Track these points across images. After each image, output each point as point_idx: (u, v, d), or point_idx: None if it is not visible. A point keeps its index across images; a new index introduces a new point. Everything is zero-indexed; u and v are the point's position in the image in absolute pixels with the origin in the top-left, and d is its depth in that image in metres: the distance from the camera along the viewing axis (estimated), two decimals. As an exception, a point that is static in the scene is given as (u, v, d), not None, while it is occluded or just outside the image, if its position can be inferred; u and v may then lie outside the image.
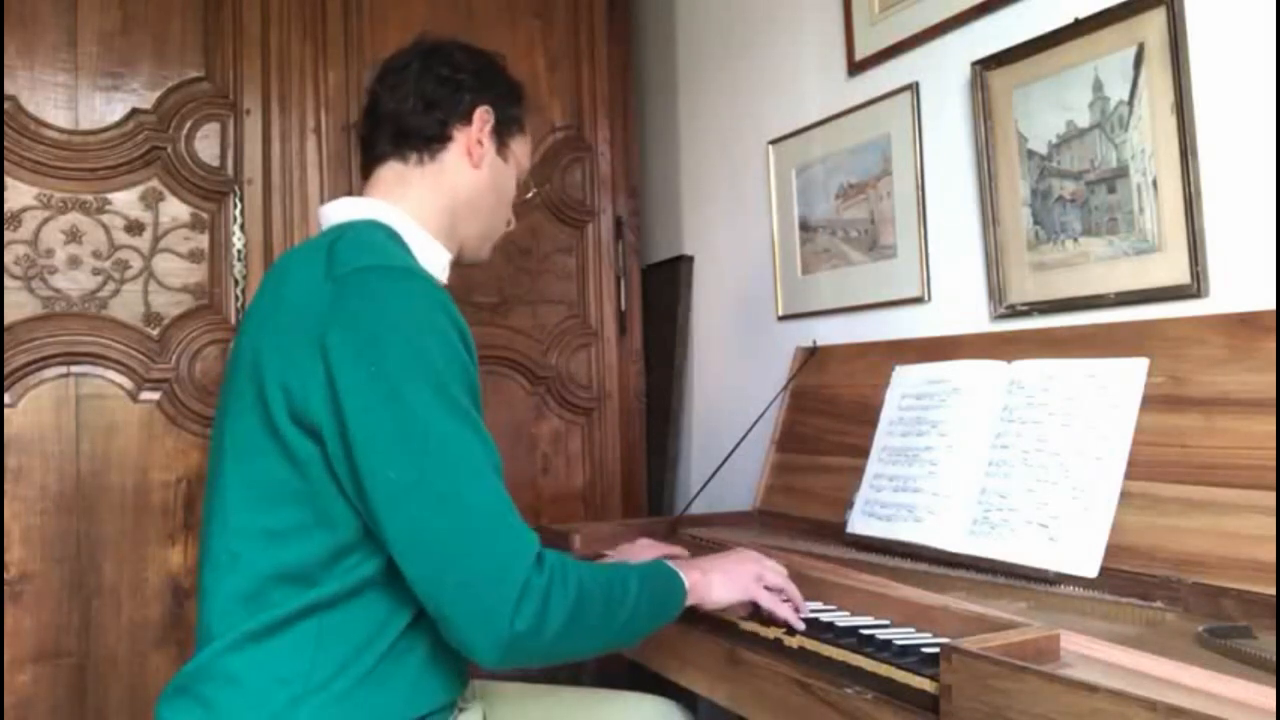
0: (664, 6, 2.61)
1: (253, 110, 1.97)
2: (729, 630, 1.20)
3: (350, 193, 1.94)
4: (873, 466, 1.54)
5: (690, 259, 2.47)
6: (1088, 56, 1.41)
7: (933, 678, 0.90)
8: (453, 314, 1.04)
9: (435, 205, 1.22)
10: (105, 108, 1.87)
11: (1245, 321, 1.15)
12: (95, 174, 1.85)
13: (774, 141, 2.11)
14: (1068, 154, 1.46)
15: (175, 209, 1.91)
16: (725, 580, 1.16)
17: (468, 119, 1.23)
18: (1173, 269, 1.31)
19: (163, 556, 1.86)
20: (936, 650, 0.89)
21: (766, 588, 1.17)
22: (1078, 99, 1.44)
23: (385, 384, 0.96)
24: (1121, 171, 1.38)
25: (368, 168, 1.25)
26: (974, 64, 1.58)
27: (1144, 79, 1.34)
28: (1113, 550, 1.16)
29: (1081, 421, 1.24)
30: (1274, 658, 0.85)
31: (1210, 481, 1.12)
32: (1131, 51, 1.36)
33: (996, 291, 1.57)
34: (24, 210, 1.81)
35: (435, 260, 1.20)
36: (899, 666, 0.95)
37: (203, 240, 1.93)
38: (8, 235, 1.79)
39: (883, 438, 1.55)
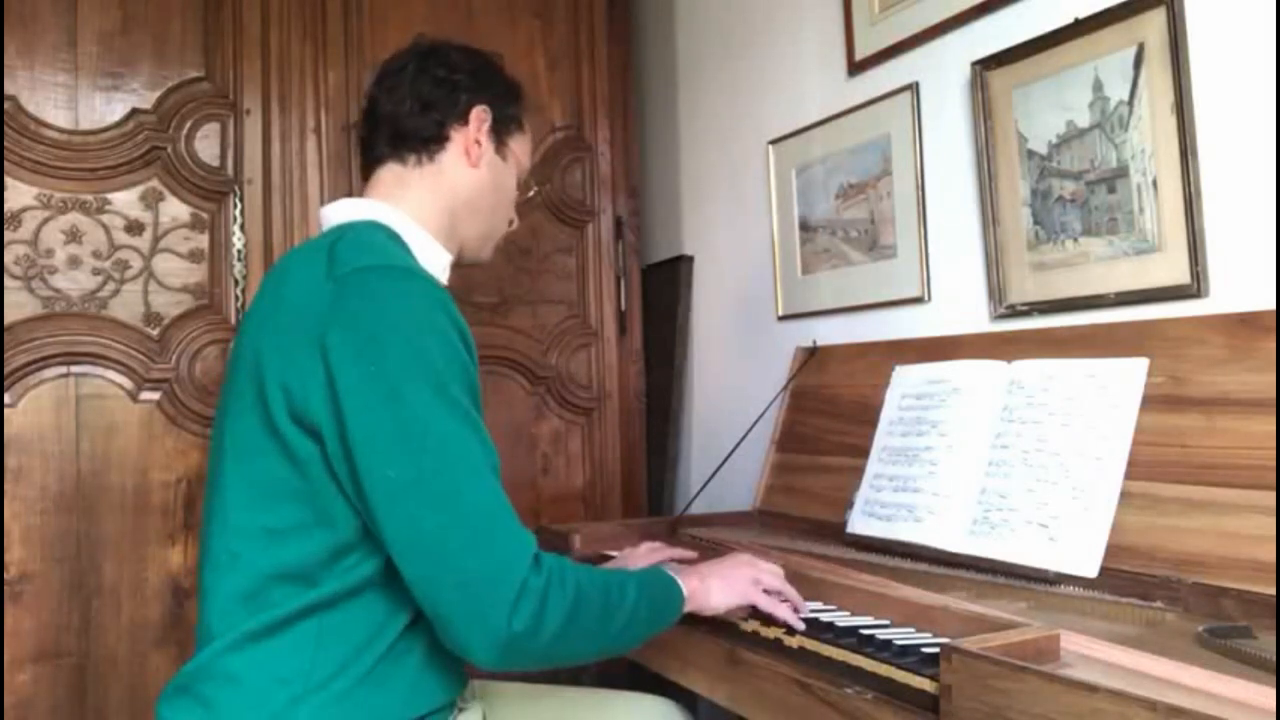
0: (664, 6, 2.61)
1: (253, 110, 1.97)
2: (729, 630, 1.20)
3: (350, 193, 1.94)
4: (873, 466, 1.54)
5: (690, 259, 2.47)
6: (1088, 56, 1.41)
7: (933, 678, 0.90)
8: (453, 314, 1.04)
9: (435, 206, 1.22)
10: (105, 108, 1.87)
11: (1245, 321, 1.15)
12: (95, 174, 1.85)
13: (774, 141, 2.11)
14: (1068, 154, 1.46)
15: (175, 209, 1.91)
16: (723, 586, 1.16)
17: (465, 119, 1.23)
18: (1173, 269, 1.31)
19: (163, 556, 1.86)
20: (936, 650, 0.89)
21: (765, 590, 1.17)
22: (1078, 99, 1.44)
23: (385, 383, 0.96)
24: (1121, 171, 1.38)
25: (367, 170, 1.25)
26: (974, 64, 1.58)
27: (1144, 79, 1.34)
28: (1113, 550, 1.16)
29: (1081, 421, 1.24)
30: (1274, 658, 0.85)
31: (1210, 481, 1.12)
32: (1131, 51, 1.36)
33: (996, 291, 1.57)
34: (24, 210, 1.81)
35: (436, 261, 1.21)
36: (899, 666, 0.95)
37: (203, 240, 1.93)
38: (8, 235, 1.79)
39: (883, 438, 1.55)
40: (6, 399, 1.77)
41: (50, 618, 1.77)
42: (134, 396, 1.86)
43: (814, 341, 1.88)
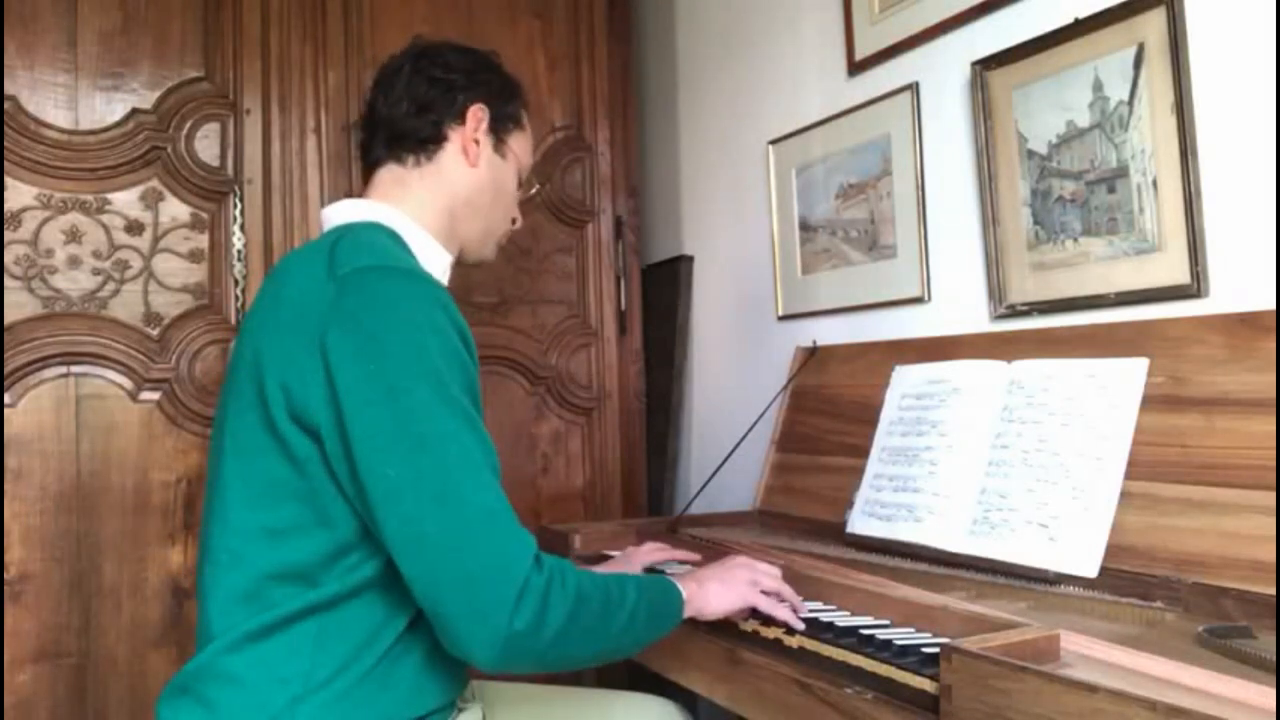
0: (664, 6, 2.61)
1: (253, 110, 1.97)
2: (729, 630, 1.20)
3: (350, 193, 1.95)
4: (873, 466, 1.54)
5: (690, 259, 2.47)
6: (1088, 56, 1.41)
7: (933, 678, 0.90)
8: (453, 314, 1.04)
9: (435, 206, 1.22)
10: (105, 108, 1.87)
11: (1245, 321, 1.15)
12: (95, 174, 1.86)
13: (774, 141, 2.11)
14: (1068, 154, 1.46)
15: (175, 209, 1.91)
16: (721, 590, 1.16)
17: (461, 119, 1.23)
18: (1173, 269, 1.31)
19: (163, 556, 1.86)
20: (936, 650, 0.89)
21: (763, 592, 1.17)
22: (1078, 99, 1.44)
23: (384, 382, 0.96)
24: (1121, 171, 1.38)
25: (368, 172, 1.26)
26: (974, 64, 1.58)
27: (1144, 79, 1.34)
28: (1113, 550, 1.16)
29: (1081, 421, 1.24)
30: (1274, 658, 0.85)
31: (1210, 481, 1.12)
32: (1131, 51, 1.36)
33: (996, 291, 1.57)
34: (24, 210, 1.81)
35: (436, 261, 1.21)
36: (899, 666, 0.95)
37: (203, 240, 1.93)
38: (8, 235, 1.79)
39: (883, 438, 1.55)
40: (6, 399, 1.77)
41: (50, 618, 1.77)
42: (134, 396, 1.86)
43: (814, 341, 1.88)
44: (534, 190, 1.40)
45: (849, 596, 1.21)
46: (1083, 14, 1.41)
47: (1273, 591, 1.01)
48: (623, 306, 2.33)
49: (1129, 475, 1.18)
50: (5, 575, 1.74)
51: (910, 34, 1.74)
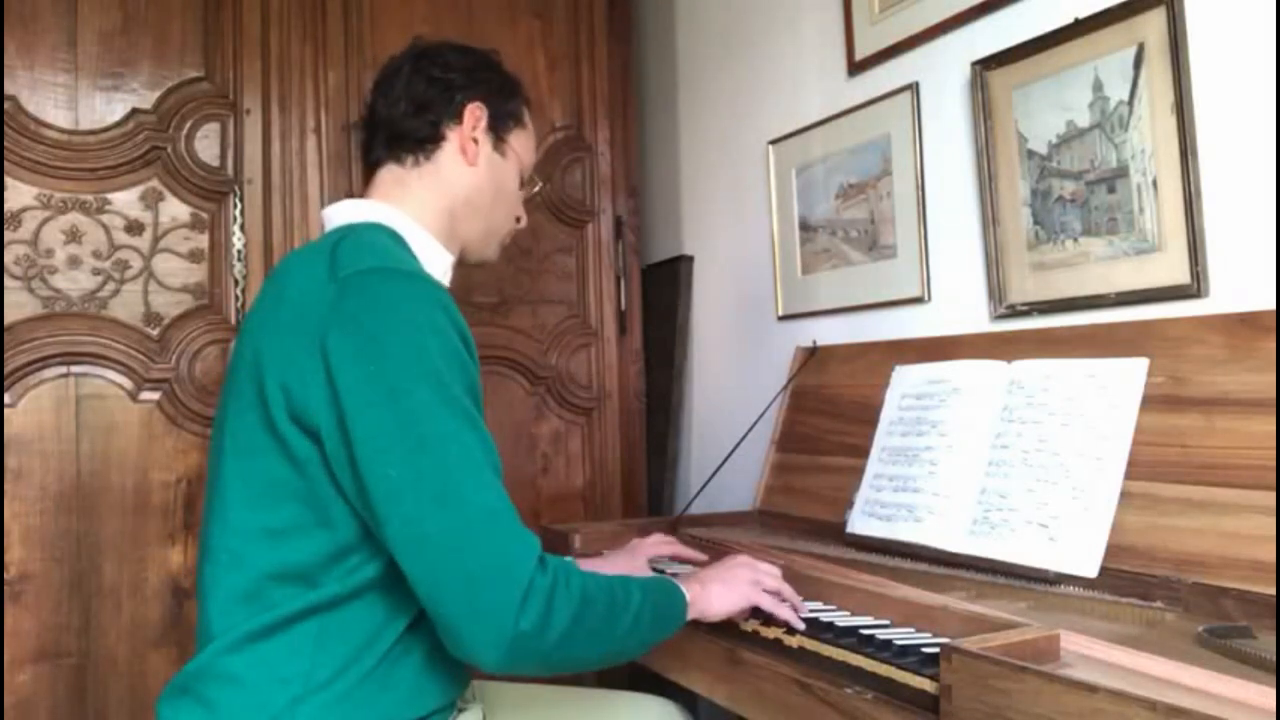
0: (664, 6, 2.61)
1: (253, 110, 1.97)
2: (729, 630, 1.20)
3: (350, 193, 1.95)
4: (873, 466, 1.54)
5: (690, 259, 2.47)
6: (1088, 56, 1.41)
7: (933, 678, 0.90)
8: (454, 315, 1.03)
9: (435, 206, 1.22)
10: (105, 108, 1.87)
11: (1245, 321, 1.15)
12: (95, 174, 1.86)
13: (774, 141, 2.11)
14: (1068, 154, 1.46)
15: (175, 209, 1.91)
16: (724, 591, 1.16)
17: (459, 118, 1.22)
18: (1173, 269, 1.31)
19: (163, 556, 1.86)
20: (936, 650, 0.89)
21: (765, 591, 1.17)
22: (1078, 99, 1.44)
23: (385, 383, 0.96)
24: (1121, 171, 1.38)
25: (368, 172, 1.25)
26: (974, 64, 1.58)
27: (1144, 79, 1.34)
28: (1113, 550, 1.16)
29: (1081, 421, 1.24)
30: (1274, 658, 0.85)
31: (1210, 481, 1.12)
32: (1131, 51, 1.36)
33: (996, 291, 1.57)
34: (24, 210, 1.81)
35: (438, 262, 1.21)
36: (899, 666, 0.95)
37: (203, 240, 1.93)
38: (8, 235, 1.79)
39: (883, 438, 1.55)
40: (6, 399, 1.77)
41: (50, 618, 1.77)
42: (134, 396, 1.86)
43: (814, 341, 1.88)
44: (537, 188, 1.39)
45: (849, 596, 1.21)
46: (1083, 14, 1.41)
47: (1273, 591, 1.01)
48: (623, 306, 2.33)
49: (1129, 475, 1.18)
50: (5, 575, 1.74)
51: (910, 34, 1.74)
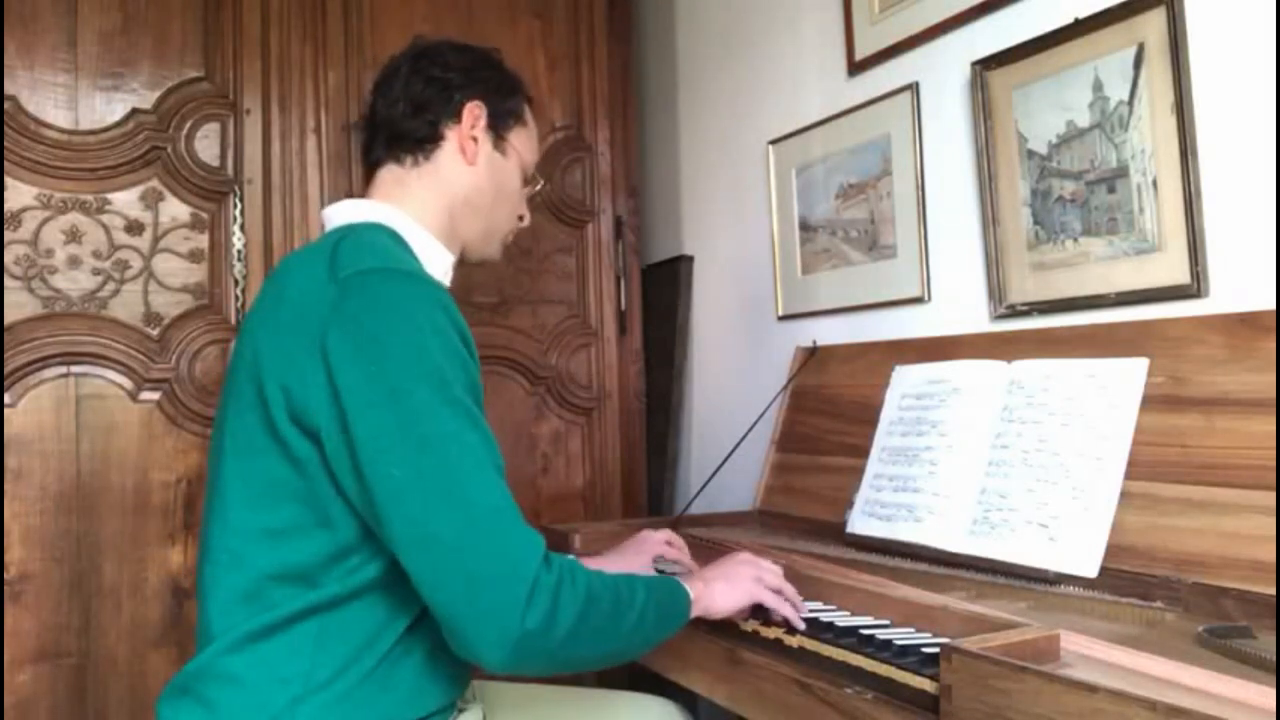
0: (664, 6, 2.61)
1: (253, 110, 1.97)
2: (729, 630, 1.20)
3: (350, 193, 1.95)
4: (873, 466, 1.54)
5: (690, 259, 2.47)
6: (1088, 56, 1.41)
7: (933, 678, 0.90)
8: (454, 316, 1.03)
9: (435, 206, 1.21)
10: (105, 108, 1.87)
11: (1245, 321, 1.15)
12: (95, 174, 1.86)
13: (774, 141, 2.11)
14: (1068, 154, 1.46)
15: (175, 209, 1.91)
16: (728, 588, 1.16)
17: (458, 117, 1.22)
18: (1173, 269, 1.31)
19: (163, 556, 1.86)
20: (936, 650, 0.89)
21: (767, 589, 1.17)
22: (1078, 99, 1.44)
23: (386, 383, 0.96)
24: (1121, 171, 1.38)
25: (369, 171, 1.25)
26: (974, 64, 1.58)
27: (1144, 79, 1.34)
28: (1113, 550, 1.16)
29: (1081, 421, 1.24)
30: (1274, 658, 0.85)
31: (1210, 481, 1.12)
32: (1131, 51, 1.36)
33: (996, 291, 1.57)
34: (24, 210, 1.81)
35: (438, 262, 1.20)
36: (899, 666, 0.95)
37: (203, 240, 1.93)
38: (8, 235, 1.79)
39: (883, 438, 1.55)
40: (6, 399, 1.77)
41: (50, 618, 1.77)
42: (134, 396, 1.86)
43: (814, 341, 1.88)
44: (539, 186, 1.38)
45: (849, 596, 1.21)
46: (1083, 14, 1.41)
47: (1273, 591, 1.01)
48: (623, 306, 2.33)
49: (1129, 475, 1.18)
50: (5, 575, 1.74)
51: (910, 34, 1.74)
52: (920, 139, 1.74)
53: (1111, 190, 1.40)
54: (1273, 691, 0.77)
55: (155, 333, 1.88)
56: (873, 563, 1.38)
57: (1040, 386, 1.32)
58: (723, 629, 1.20)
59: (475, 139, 1.23)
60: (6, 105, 1.79)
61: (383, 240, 1.11)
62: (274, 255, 1.95)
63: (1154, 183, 1.34)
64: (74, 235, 1.83)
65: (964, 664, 0.85)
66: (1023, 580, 1.22)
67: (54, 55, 1.84)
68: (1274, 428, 1.07)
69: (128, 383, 1.86)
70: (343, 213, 1.19)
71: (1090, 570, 1.15)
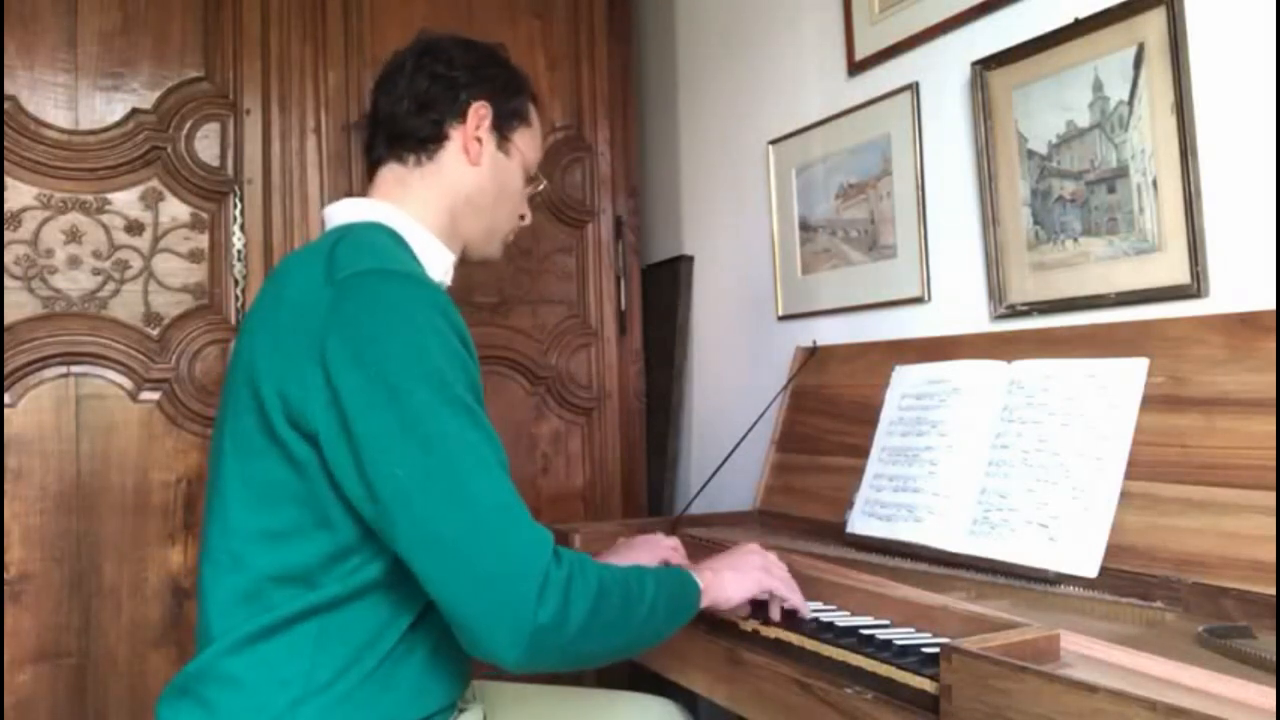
0: (664, 6, 2.61)
1: (253, 110, 1.97)
2: (729, 630, 1.20)
3: (350, 192, 1.95)
4: (873, 466, 1.54)
5: (690, 259, 2.47)
6: (1088, 56, 1.41)
7: (933, 678, 0.90)
8: (452, 317, 1.03)
9: (437, 205, 1.21)
10: (105, 108, 1.87)
11: (1245, 321, 1.15)
12: (95, 174, 1.85)
13: (774, 141, 2.11)
14: (1068, 154, 1.46)
15: (175, 209, 1.91)
16: (736, 577, 1.16)
17: (463, 116, 1.21)
18: (1173, 269, 1.31)
19: (163, 556, 1.86)
20: (936, 650, 0.89)
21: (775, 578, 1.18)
22: (1078, 99, 1.44)
23: (386, 384, 0.95)
24: (1121, 171, 1.38)
25: (371, 169, 1.25)
26: (974, 64, 1.58)
27: (1144, 79, 1.34)
28: (1113, 550, 1.16)
29: (1081, 421, 1.24)
30: (1274, 658, 0.85)
31: (1210, 481, 1.12)
32: (1131, 51, 1.36)
33: (996, 291, 1.57)
34: (24, 210, 1.81)
35: (439, 261, 1.20)
36: (899, 666, 0.95)
37: (203, 240, 1.93)
38: (8, 235, 1.79)
39: (883, 438, 1.55)
40: (6, 399, 1.77)
41: (50, 618, 1.77)
42: (134, 396, 1.86)
43: (814, 341, 1.88)
44: (542, 186, 1.37)
45: (849, 596, 1.22)
46: (1083, 14, 1.41)
47: (1273, 591, 1.01)
48: (623, 306, 2.33)
49: (1129, 475, 1.18)
50: (5, 575, 1.74)
51: (910, 34, 1.74)
52: (920, 139, 1.74)
53: (1111, 190, 1.40)
54: (1273, 691, 0.77)
55: (155, 333, 1.88)
56: (873, 563, 1.38)
57: (1040, 386, 1.32)
58: (723, 629, 1.20)
59: (479, 139, 1.22)
60: (6, 105, 1.79)
61: (381, 240, 1.11)
62: (274, 255, 1.95)
63: (1154, 183, 1.34)
64: (74, 235, 1.83)
65: (964, 664, 0.85)
66: (1023, 580, 1.22)
67: (54, 55, 1.84)
68: (1274, 428, 1.07)
69: (128, 383, 1.86)
70: (343, 212, 1.19)
71: (1090, 570, 1.15)
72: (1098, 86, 1.41)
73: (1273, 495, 1.05)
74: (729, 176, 2.32)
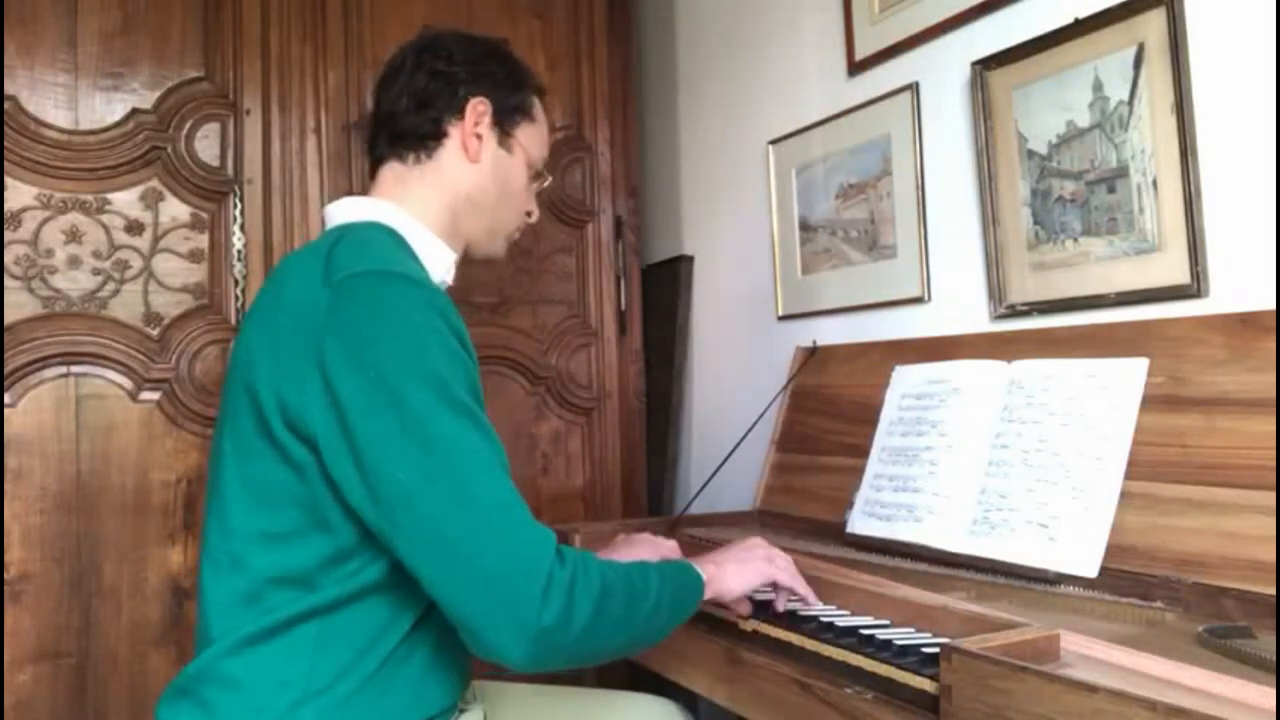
0: (664, 6, 2.61)
1: (253, 110, 1.97)
2: (729, 630, 1.20)
3: (350, 192, 1.94)
4: (873, 466, 1.54)
5: (690, 259, 2.47)
6: (1088, 56, 1.41)
7: (933, 678, 0.90)
8: (450, 318, 1.02)
9: (437, 204, 1.20)
10: (105, 108, 1.87)
11: (1245, 321, 1.15)
12: (95, 174, 1.85)
13: (774, 141, 2.11)
14: (1068, 154, 1.46)
15: (175, 209, 1.91)
16: (740, 570, 1.15)
17: (461, 113, 1.20)
18: (1173, 269, 1.31)
19: (163, 556, 1.86)
20: (936, 650, 0.89)
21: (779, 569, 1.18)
22: (1078, 99, 1.44)
23: (385, 386, 0.95)
24: (1121, 171, 1.38)
25: (373, 168, 1.24)
26: (974, 64, 1.58)
27: (1144, 79, 1.34)
28: (1113, 550, 1.16)
29: (1081, 421, 1.24)
30: (1274, 658, 0.85)
31: (1210, 481, 1.12)
32: (1131, 51, 1.36)
33: (996, 291, 1.57)
34: (24, 210, 1.81)
35: (440, 260, 1.19)
36: (899, 666, 0.95)
37: (203, 240, 1.93)
38: (8, 235, 1.79)
39: (883, 438, 1.55)
40: (6, 399, 1.77)
41: (50, 618, 1.77)
42: (134, 396, 1.86)
43: (814, 341, 1.88)
44: (548, 183, 1.34)
45: (849, 596, 1.21)
46: (1083, 14, 1.41)
47: (1273, 591, 1.01)
48: (623, 306, 2.33)
49: (1129, 475, 1.18)
50: (5, 575, 1.74)
51: (910, 34, 1.74)
52: (920, 139, 1.74)
53: (1111, 190, 1.40)
54: (1273, 691, 0.77)
55: (155, 333, 1.88)
56: (873, 563, 1.38)
57: (1040, 386, 1.32)
58: (723, 629, 1.20)
59: (479, 136, 1.21)
60: (6, 105, 1.79)
61: (380, 240, 1.10)
62: (274, 255, 1.95)
63: (1154, 183, 1.34)
64: (74, 235, 1.83)
65: (964, 664, 0.85)
66: (1023, 580, 1.22)
67: (54, 55, 1.84)
68: (1274, 428, 1.07)
69: (128, 383, 1.86)
70: (344, 211, 1.19)
71: (1090, 570, 1.15)
72: (1098, 86, 1.41)
73: (1273, 495, 1.05)
74: (729, 176, 2.32)
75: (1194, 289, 1.29)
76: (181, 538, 1.87)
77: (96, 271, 1.85)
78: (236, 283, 1.94)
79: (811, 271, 2.02)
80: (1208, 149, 1.28)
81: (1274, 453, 1.06)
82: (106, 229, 1.86)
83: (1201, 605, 1.06)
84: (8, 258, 1.79)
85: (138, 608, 1.84)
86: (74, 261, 1.83)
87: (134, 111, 1.88)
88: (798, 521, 1.70)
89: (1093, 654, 0.92)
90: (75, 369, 1.82)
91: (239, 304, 1.93)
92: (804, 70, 2.05)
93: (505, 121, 1.23)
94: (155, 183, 1.90)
